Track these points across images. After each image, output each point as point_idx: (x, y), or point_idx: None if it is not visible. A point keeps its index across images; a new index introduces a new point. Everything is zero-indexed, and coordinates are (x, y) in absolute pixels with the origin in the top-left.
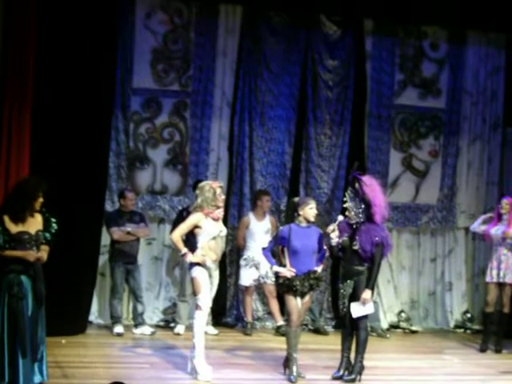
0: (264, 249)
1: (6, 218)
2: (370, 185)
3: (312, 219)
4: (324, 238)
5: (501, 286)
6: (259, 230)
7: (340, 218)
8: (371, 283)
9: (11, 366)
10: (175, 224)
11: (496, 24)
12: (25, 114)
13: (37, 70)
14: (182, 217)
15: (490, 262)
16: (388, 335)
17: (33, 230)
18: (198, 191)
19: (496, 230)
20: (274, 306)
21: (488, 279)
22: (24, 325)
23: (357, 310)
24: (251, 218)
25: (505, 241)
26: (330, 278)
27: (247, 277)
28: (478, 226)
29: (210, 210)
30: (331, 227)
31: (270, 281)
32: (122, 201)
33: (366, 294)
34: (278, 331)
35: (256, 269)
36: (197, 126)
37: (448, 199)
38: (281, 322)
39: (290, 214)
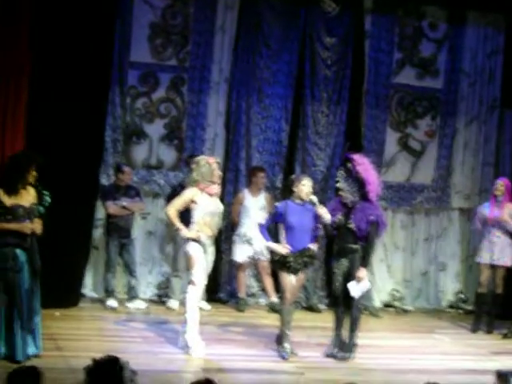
0: (261, 225)
1: (1, 191)
2: (362, 163)
3: (304, 196)
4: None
5: (494, 267)
6: (254, 207)
7: (314, 198)
8: (366, 262)
9: (8, 339)
10: (169, 200)
11: (495, 5)
12: (21, 86)
13: (34, 44)
14: (175, 192)
15: (482, 242)
16: (380, 314)
17: (27, 203)
18: (193, 166)
19: (493, 213)
20: (268, 282)
21: (479, 260)
22: (21, 298)
23: (355, 289)
24: (246, 194)
25: (499, 223)
26: (324, 256)
27: (241, 253)
28: (478, 223)
29: (205, 185)
30: (320, 210)
31: (264, 257)
32: (120, 175)
33: (362, 272)
34: (272, 308)
35: (250, 245)
36: (194, 102)
37: (443, 179)
38: (274, 298)
39: (286, 191)
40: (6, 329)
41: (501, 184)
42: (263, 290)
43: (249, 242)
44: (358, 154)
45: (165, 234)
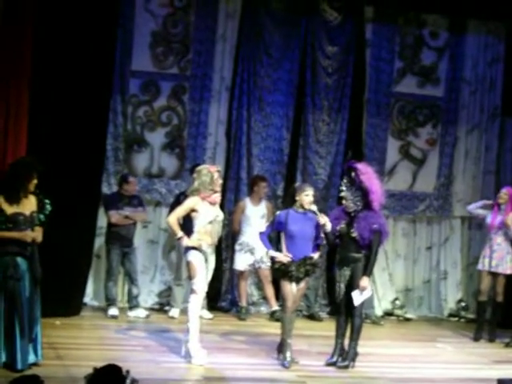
0: (261, 233)
1: (2, 199)
2: (366, 172)
3: (307, 206)
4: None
5: (494, 275)
6: (255, 215)
7: (314, 207)
8: (369, 270)
9: (9, 347)
10: (172, 208)
11: (496, 14)
12: (23, 94)
13: (36, 51)
14: (179, 201)
15: (483, 249)
16: (382, 322)
17: (27, 211)
18: (195, 175)
19: (495, 220)
20: (269, 291)
21: (479, 267)
22: (22, 306)
23: (357, 297)
24: (247, 202)
25: (501, 230)
26: (326, 264)
27: (242, 261)
28: (475, 209)
29: (206, 193)
30: (321, 219)
31: (266, 266)
32: (125, 185)
33: (364, 281)
34: (273, 316)
35: (251, 254)
36: (195, 110)
37: (445, 188)
38: (275, 307)
39: (288, 200)
40: (6, 337)
41: (505, 193)
42: (264, 298)
43: (251, 251)
44: (362, 162)
45: (166, 243)
